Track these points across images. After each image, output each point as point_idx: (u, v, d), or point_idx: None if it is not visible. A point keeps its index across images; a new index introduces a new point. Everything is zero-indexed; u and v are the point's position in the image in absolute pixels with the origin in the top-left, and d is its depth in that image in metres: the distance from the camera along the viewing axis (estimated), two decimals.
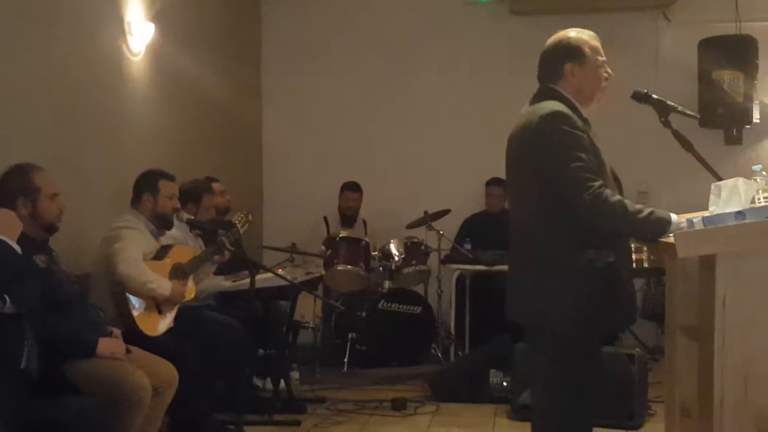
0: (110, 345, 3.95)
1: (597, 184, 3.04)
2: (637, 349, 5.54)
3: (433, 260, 7.40)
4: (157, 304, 4.64)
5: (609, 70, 3.32)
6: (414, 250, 7.24)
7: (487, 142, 7.76)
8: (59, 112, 4.89)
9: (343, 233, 7.19)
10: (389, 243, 7.25)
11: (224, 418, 5.02)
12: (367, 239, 7.20)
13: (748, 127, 7.82)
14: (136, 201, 4.89)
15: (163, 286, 4.62)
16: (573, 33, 3.33)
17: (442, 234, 7.24)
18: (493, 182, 7.73)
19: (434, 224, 7.25)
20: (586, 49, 3.28)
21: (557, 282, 3.13)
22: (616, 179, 3.29)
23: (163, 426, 4.49)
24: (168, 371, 4.16)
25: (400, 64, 8.40)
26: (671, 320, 3.36)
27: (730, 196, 2.74)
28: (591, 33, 3.35)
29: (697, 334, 2.96)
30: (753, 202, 2.84)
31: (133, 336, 4.31)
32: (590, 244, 3.11)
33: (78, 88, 5.09)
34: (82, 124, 5.13)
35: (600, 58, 3.30)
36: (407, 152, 8.37)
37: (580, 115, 3.22)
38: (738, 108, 7.65)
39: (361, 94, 8.43)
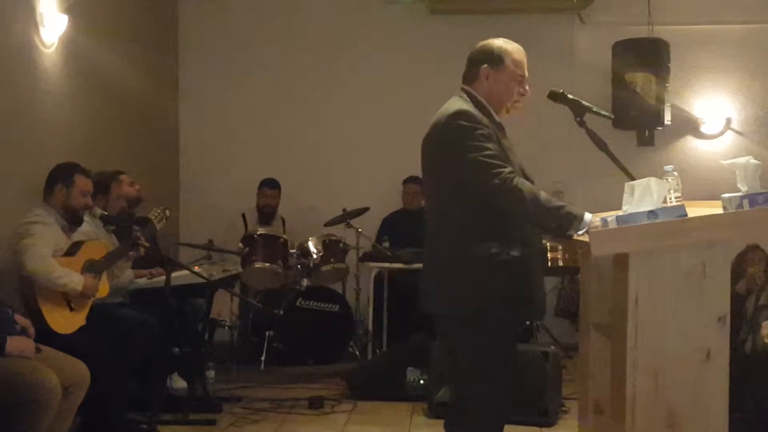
0: (19, 344, 3.85)
1: (507, 170, 3.12)
2: (552, 347, 5.61)
3: (351, 258, 7.38)
4: (67, 301, 4.53)
5: (526, 88, 3.38)
6: (332, 248, 7.22)
7: (405, 140, 7.69)
8: None
9: (261, 230, 7.13)
10: (307, 240, 7.21)
11: (138, 417, 4.95)
12: (285, 236, 7.15)
13: (660, 128, 7.99)
14: (48, 193, 4.77)
15: (75, 280, 4.52)
16: (500, 42, 3.42)
17: (360, 232, 7.23)
18: (409, 180, 7.76)
19: (353, 222, 7.24)
20: (507, 59, 3.36)
21: (461, 272, 3.23)
22: (527, 179, 3.33)
23: (74, 425, 4.41)
24: (79, 370, 4.07)
25: (320, 61, 8.37)
26: (585, 318, 3.42)
27: (643, 196, 2.79)
28: (519, 47, 3.42)
29: (611, 332, 3.01)
30: (665, 201, 2.90)
31: (44, 334, 4.20)
32: (495, 237, 3.20)
33: None
34: None
35: (519, 72, 3.37)
36: (326, 150, 8.35)
37: (492, 118, 3.31)
38: (650, 110, 7.80)
39: (281, 90, 8.37)
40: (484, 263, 3.19)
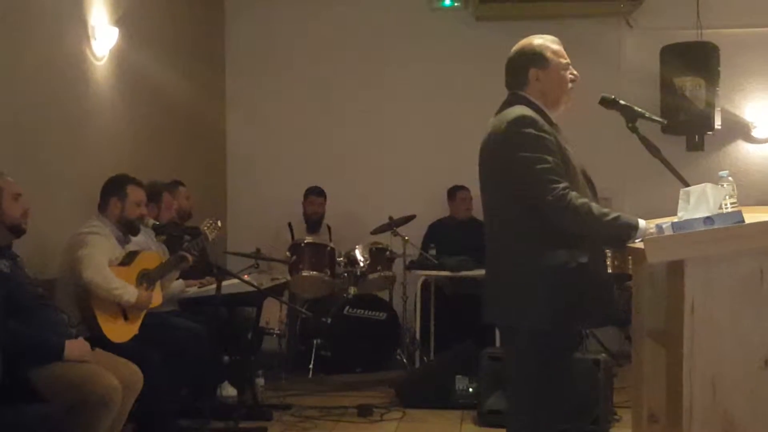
0: (77, 347, 3.90)
1: (561, 185, 3.06)
2: (603, 355, 5.56)
3: (398, 266, 7.38)
4: (123, 311, 4.60)
5: (574, 72, 3.36)
6: (379, 256, 7.23)
7: (451, 147, 7.84)
8: (22, 115, 4.82)
9: (308, 239, 7.16)
10: (354, 249, 7.24)
11: (189, 424, 4.98)
12: (332, 245, 7.17)
13: (710, 133, 7.92)
14: (103, 206, 4.85)
15: (130, 292, 4.58)
16: (535, 40, 3.37)
17: (407, 239, 7.23)
18: (459, 188, 7.75)
19: (399, 230, 7.24)
20: (548, 54, 3.32)
21: (532, 281, 3.15)
22: (589, 181, 3.31)
23: (126, 431, 4.45)
24: (132, 372, 4.11)
25: (366, 69, 8.41)
26: (638, 325, 3.38)
27: (699, 202, 2.76)
28: (552, 37, 3.39)
29: (665, 340, 2.97)
30: (720, 208, 2.86)
31: (98, 342, 4.25)
32: (562, 245, 3.13)
33: (41, 91, 5.03)
34: (45, 127, 5.07)
35: (563, 61, 3.34)
36: (372, 157, 8.38)
37: (548, 120, 3.25)
38: (700, 114, 7.73)
39: (327, 98, 8.42)
40: (555, 274, 3.11)
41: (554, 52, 3.33)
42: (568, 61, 3.35)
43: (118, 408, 3.82)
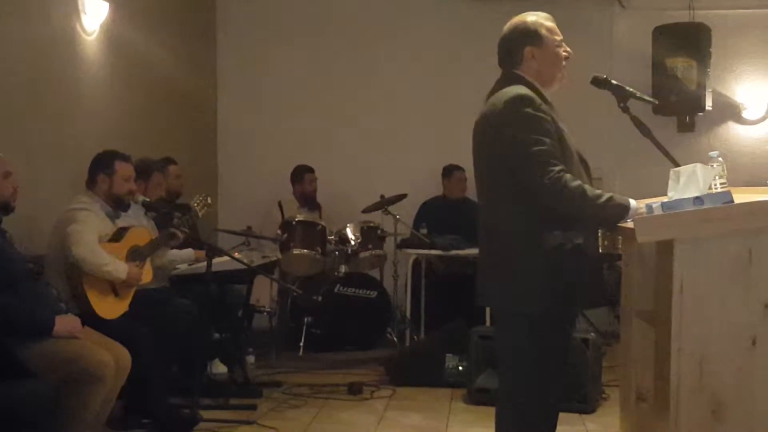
0: (67, 323, 3.91)
1: (557, 168, 3.04)
2: (592, 334, 5.58)
3: (389, 245, 7.39)
4: (113, 287, 4.59)
5: (567, 49, 3.34)
6: (370, 235, 7.23)
7: (442, 126, 7.84)
8: (10, 92, 4.81)
9: (299, 217, 7.15)
10: (345, 227, 7.23)
11: (179, 401, 4.99)
12: (323, 223, 7.17)
13: (701, 114, 7.93)
14: (91, 182, 4.83)
15: (120, 269, 4.57)
16: (529, 17, 3.35)
17: (398, 218, 7.23)
18: (454, 168, 7.74)
19: (390, 208, 7.24)
20: (543, 31, 3.30)
21: (526, 263, 3.14)
22: (582, 161, 3.30)
23: (117, 409, 4.46)
24: (121, 354, 4.12)
25: (359, 47, 8.38)
26: (628, 305, 3.40)
27: (689, 182, 2.77)
28: (545, 14, 3.37)
29: (654, 319, 2.99)
30: (710, 188, 2.87)
31: (88, 319, 4.26)
32: (557, 226, 3.12)
33: (30, 67, 5.00)
34: (34, 104, 5.05)
35: (557, 38, 3.32)
36: (364, 136, 8.36)
37: (543, 98, 3.23)
38: (691, 95, 7.73)
39: (318, 76, 8.39)
40: (549, 255, 3.10)
41: (548, 29, 3.31)
42: (561, 37, 3.34)
43: (110, 383, 3.83)
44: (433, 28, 8.30)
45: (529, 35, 3.30)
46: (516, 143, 3.11)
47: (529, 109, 3.13)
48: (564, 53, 3.32)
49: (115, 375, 3.94)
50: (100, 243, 4.56)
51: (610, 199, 3.02)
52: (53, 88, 5.28)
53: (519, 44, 3.31)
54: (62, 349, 3.77)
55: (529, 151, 3.07)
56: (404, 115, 8.31)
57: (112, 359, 3.86)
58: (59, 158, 5.25)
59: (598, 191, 3.06)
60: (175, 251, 5.44)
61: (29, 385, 3.48)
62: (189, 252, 5.54)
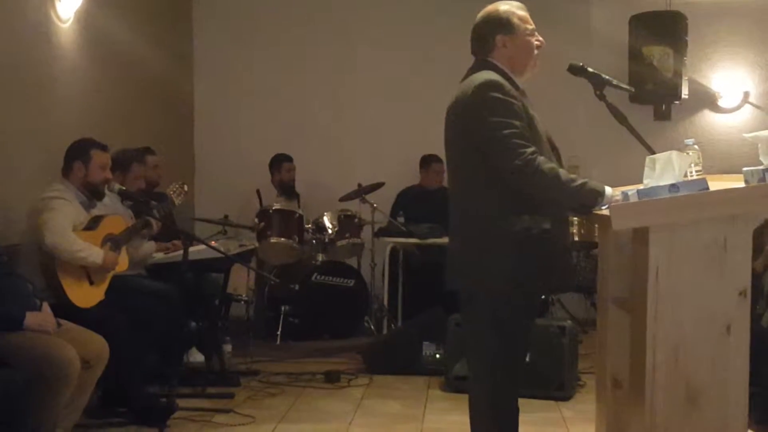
0: (38, 319, 3.88)
1: (529, 150, 3.06)
2: (568, 321, 5.61)
3: (366, 233, 7.38)
4: (88, 275, 4.56)
5: (540, 38, 3.36)
6: (347, 223, 7.23)
7: (419, 115, 7.82)
8: None
9: (276, 205, 7.12)
10: (323, 216, 7.23)
11: (156, 390, 4.97)
12: (300, 212, 7.15)
13: (677, 102, 7.97)
14: (66, 170, 4.78)
15: (95, 253, 4.54)
16: (501, 5, 3.37)
17: (375, 207, 7.22)
18: (433, 159, 7.74)
19: (368, 197, 7.23)
20: (515, 20, 3.32)
21: (493, 246, 3.17)
22: (554, 148, 3.33)
23: (94, 398, 4.44)
24: (99, 345, 4.11)
25: (336, 36, 8.36)
26: (603, 292, 3.41)
27: (665, 170, 2.77)
28: (518, 3, 3.39)
29: (630, 306, 3.00)
30: (685, 175, 2.88)
31: (64, 308, 4.23)
32: (525, 210, 3.15)
33: (4, 54, 4.95)
34: (7, 91, 4.99)
35: (529, 27, 3.34)
36: (341, 125, 8.35)
37: (515, 85, 3.26)
38: (667, 84, 7.78)
39: (296, 64, 8.36)
40: (516, 239, 3.13)
41: (520, 18, 3.33)
42: (533, 26, 3.36)
43: (74, 382, 3.80)
44: (411, 18, 8.28)
45: (501, 23, 3.33)
46: (487, 127, 3.12)
47: (497, 94, 3.15)
48: (536, 42, 3.34)
49: (90, 370, 3.92)
50: (75, 231, 4.52)
51: (584, 184, 3.03)
52: (28, 75, 5.22)
53: (491, 32, 3.34)
54: (29, 345, 3.74)
55: (501, 133, 3.09)
56: (382, 104, 8.30)
57: (78, 357, 3.82)
58: (33, 147, 5.19)
59: (573, 176, 3.07)
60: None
61: (3, 374, 3.46)
62: (150, 245, 5.48)
